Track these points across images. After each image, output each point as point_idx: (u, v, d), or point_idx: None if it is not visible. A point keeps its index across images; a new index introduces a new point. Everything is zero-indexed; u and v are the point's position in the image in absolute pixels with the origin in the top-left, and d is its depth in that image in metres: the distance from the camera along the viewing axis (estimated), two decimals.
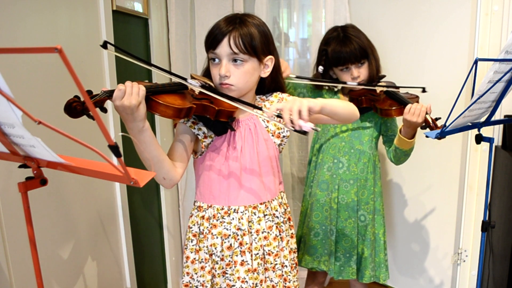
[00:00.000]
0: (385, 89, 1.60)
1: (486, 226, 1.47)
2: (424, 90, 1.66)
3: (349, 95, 1.66)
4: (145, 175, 0.82)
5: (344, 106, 1.19)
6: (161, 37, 1.96)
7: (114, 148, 0.72)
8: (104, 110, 0.96)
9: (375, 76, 1.63)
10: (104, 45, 1.11)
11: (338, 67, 1.62)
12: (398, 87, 1.65)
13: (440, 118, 1.48)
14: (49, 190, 1.12)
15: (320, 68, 1.65)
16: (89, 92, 0.95)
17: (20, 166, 0.89)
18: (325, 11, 2.11)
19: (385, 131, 1.72)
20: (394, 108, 1.57)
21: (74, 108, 0.92)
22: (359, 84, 1.61)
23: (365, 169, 1.68)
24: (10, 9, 1.08)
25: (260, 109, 1.09)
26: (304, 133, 0.98)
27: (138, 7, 1.77)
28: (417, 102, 1.63)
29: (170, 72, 1.17)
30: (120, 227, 1.63)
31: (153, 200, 1.98)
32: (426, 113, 1.47)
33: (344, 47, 1.58)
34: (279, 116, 1.00)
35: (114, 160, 0.79)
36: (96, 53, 1.46)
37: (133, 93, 0.96)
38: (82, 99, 0.94)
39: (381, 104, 1.60)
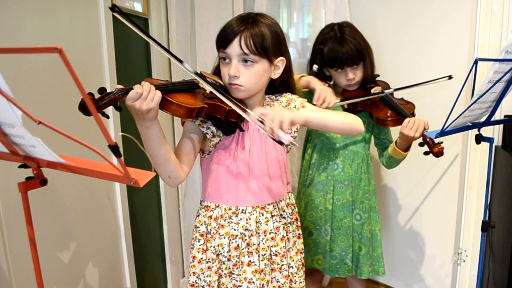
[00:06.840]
0: (381, 95, 1.60)
1: (486, 226, 1.47)
2: (450, 77, 1.66)
3: (343, 96, 1.65)
4: (145, 175, 0.82)
5: (337, 120, 1.17)
6: (161, 37, 1.95)
7: (114, 148, 0.72)
8: (119, 109, 0.95)
9: (369, 77, 1.63)
10: (113, 8, 1.04)
11: (333, 68, 1.61)
12: (422, 83, 1.65)
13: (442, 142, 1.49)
14: (49, 190, 1.12)
15: (315, 66, 1.64)
16: (102, 90, 0.94)
17: (20, 166, 0.89)
18: (325, 11, 2.11)
19: (377, 133, 1.72)
20: (390, 119, 1.57)
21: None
22: (373, 94, 1.60)
23: (359, 170, 1.68)
24: (10, 9, 1.08)
25: (245, 110, 1.08)
26: (281, 143, 0.99)
27: (138, 7, 1.77)
28: (413, 110, 1.62)
29: (177, 58, 1.09)
30: (120, 227, 1.63)
31: (153, 200, 1.98)
32: (424, 129, 1.47)
33: (341, 48, 1.55)
34: (261, 121, 1.00)
35: (114, 160, 0.79)
36: (96, 53, 1.46)
37: (147, 98, 0.95)
38: (96, 97, 0.94)
39: (376, 111, 1.59)
